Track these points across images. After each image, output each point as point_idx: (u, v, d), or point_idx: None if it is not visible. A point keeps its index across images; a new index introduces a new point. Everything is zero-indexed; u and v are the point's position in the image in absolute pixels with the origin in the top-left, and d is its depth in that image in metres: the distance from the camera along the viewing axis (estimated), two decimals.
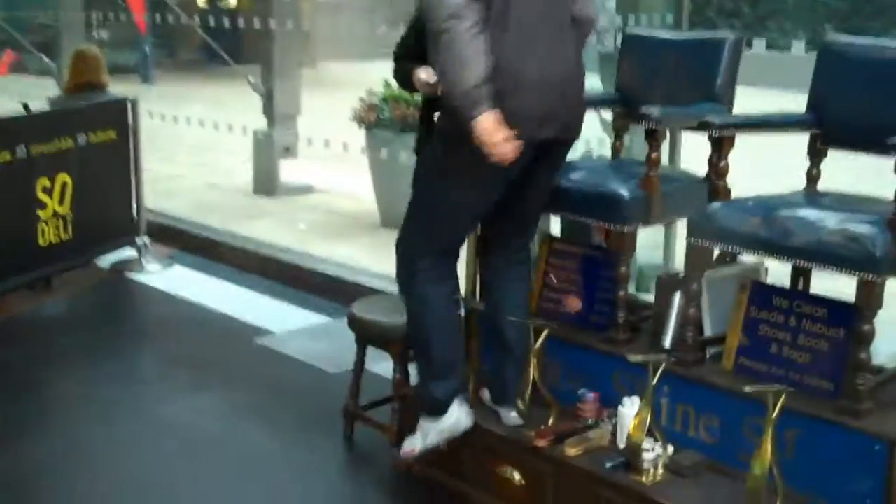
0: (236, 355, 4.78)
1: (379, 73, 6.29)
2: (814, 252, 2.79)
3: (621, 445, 3.14)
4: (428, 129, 3.56)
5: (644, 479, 2.96)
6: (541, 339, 3.23)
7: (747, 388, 2.66)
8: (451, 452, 3.41)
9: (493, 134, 2.81)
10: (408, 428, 3.53)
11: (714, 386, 3.04)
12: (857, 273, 2.72)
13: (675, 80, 3.51)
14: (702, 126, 3.09)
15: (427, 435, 3.28)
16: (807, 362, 2.96)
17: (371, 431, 3.86)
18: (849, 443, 2.76)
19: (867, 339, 2.76)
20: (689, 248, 3.10)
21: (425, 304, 3.23)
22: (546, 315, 3.54)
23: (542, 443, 3.18)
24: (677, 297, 3.22)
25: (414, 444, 3.31)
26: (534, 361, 3.22)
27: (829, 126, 3.22)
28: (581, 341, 3.36)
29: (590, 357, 3.35)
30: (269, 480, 3.60)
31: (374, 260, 6.02)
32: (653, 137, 3.17)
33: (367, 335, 3.77)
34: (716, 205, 3.06)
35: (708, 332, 3.20)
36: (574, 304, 3.47)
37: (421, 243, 3.22)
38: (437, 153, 3.13)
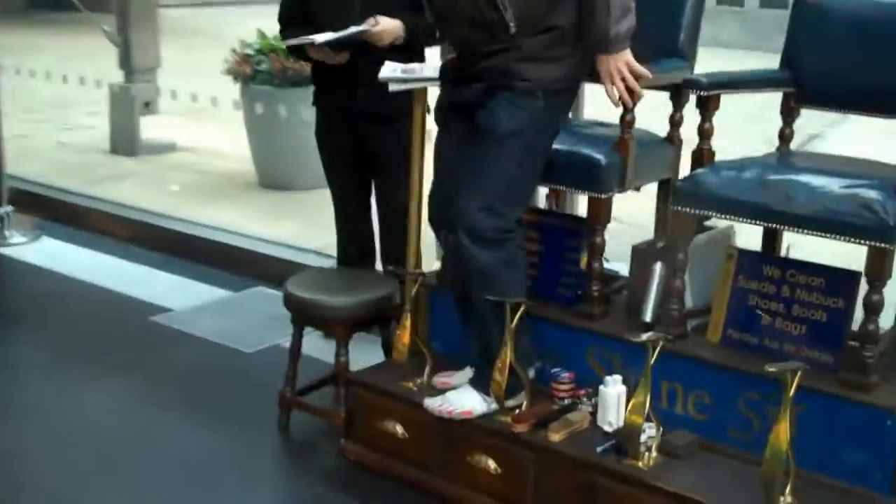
0: (134, 337, 4.35)
1: (227, 20, 5.88)
2: (821, 221, 2.64)
3: (605, 427, 2.96)
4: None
5: (640, 463, 2.78)
6: (517, 317, 2.99)
7: (769, 367, 2.50)
8: (413, 440, 3.17)
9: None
10: (357, 414, 3.28)
11: (705, 361, 2.89)
12: (869, 242, 2.60)
13: (635, 36, 3.30)
14: (688, 85, 2.90)
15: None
16: (803, 334, 2.83)
17: (307, 418, 3.56)
18: (858, 418, 2.65)
19: (876, 309, 2.65)
20: (675, 217, 2.92)
21: (516, 268, 2.99)
22: None
23: (521, 428, 2.96)
24: (658, 268, 3.04)
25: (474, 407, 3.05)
26: (509, 342, 2.98)
27: (805, 84, 3.09)
28: (553, 317, 3.14)
29: (561, 333, 3.15)
30: (203, 485, 3.22)
31: (262, 225, 5.65)
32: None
33: (306, 316, 3.45)
34: (705, 171, 2.89)
35: (688, 303, 3.04)
36: None
37: (516, 203, 2.97)
38: (538, 106, 2.89)
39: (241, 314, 4.55)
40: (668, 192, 3.37)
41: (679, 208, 2.89)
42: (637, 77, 2.86)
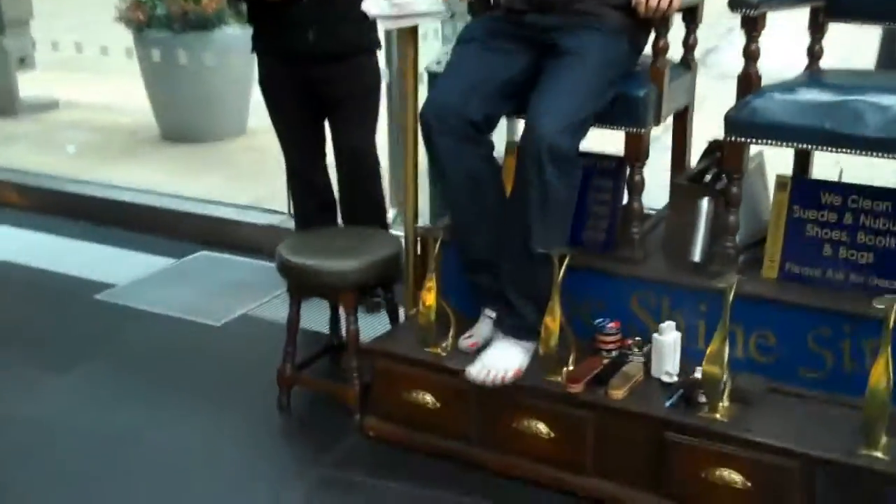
0: (83, 320, 3.91)
1: None
2: (889, 141, 2.48)
3: (664, 378, 2.77)
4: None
5: (717, 414, 2.60)
6: (563, 268, 2.74)
7: (876, 303, 2.33)
8: (447, 409, 2.91)
9: None
10: (378, 387, 3.00)
11: (768, 299, 2.71)
12: None
13: None
14: (738, 4, 2.67)
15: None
16: (871, 263, 2.68)
17: (306, 396, 3.26)
18: None
19: None
20: (731, 148, 2.71)
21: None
22: None
23: (576, 388, 2.73)
24: (705, 204, 2.84)
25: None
26: (556, 296, 2.74)
27: None
28: (591, 264, 2.90)
29: (601, 281, 2.92)
30: (209, 483, 2.87)
31: (178, 183, 5.22)
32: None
33: (309, 285, 3.11)
34: (760, 97, 2.67)
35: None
36: None
37: (582, 134, 2.72)
38: (623, 47, 2.77)
39: (194, 283, 4.17)
40: (688, 120, 3.19)
41: (735, 138, 2.68)
42: None
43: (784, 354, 2.72)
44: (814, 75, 2.94)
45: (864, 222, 2.69)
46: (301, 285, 3.13)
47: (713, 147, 3.10)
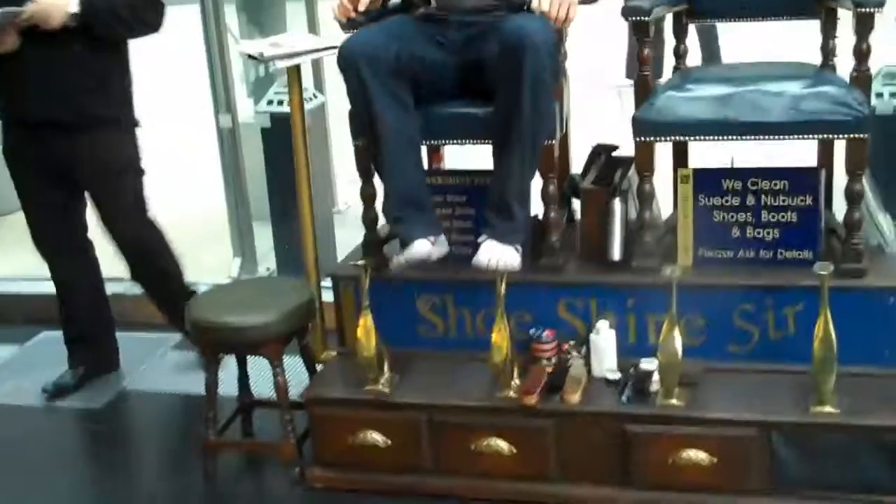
0: None
1: None
2: (797, 124, 2.72)
3: (608, 375, 2.88)
4: None
5: (675, 400, 2.74)
6: (502, 287, 2.79)
7: (819, 270, 2.54)
8: (398, 445, 2.89)
9: None
10: (319, 436, 2.94)
11: (691, 285, 2.86)
12: (848, 135, 2.71)
13: None
14: (631, 13, 2.82)
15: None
16: (777, 238, 2.91)
17: (230, 461, 3.13)
18: (858, 304, 2.77)
19: (858, 197, 2.77)
20: (641, 148, 2.86)
21: None
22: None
23: (532, 400, 2.78)
24: (617, 204, 2.97)
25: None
26: (501, 310, 2.78)
27: None
28: (520, 278, 2.96)
29: (527, 292, 2.97)
30: None
31: None
32: None
33: (228, 342, 2.98)
34: (662, 98, 2.83)
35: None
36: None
37: None
38: None
39: (48, 367, 3.82)
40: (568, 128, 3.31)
41: (644, 138, 2.83)
42: None
43: (713, 335, 2.90)
44: (688, 73, 3.14)
45: (765, 202, 2.90)
46: (219, 343, 3.00)
47: (598, 151, 3.26)
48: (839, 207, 2.98)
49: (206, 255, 4.54)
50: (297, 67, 3.09)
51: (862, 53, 2.74)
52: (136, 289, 3.89)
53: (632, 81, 3.23)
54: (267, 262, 4.51)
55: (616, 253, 2.98)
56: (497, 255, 2.81)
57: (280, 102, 4.17)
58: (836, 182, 3.02)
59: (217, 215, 4.75)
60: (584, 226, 3.06)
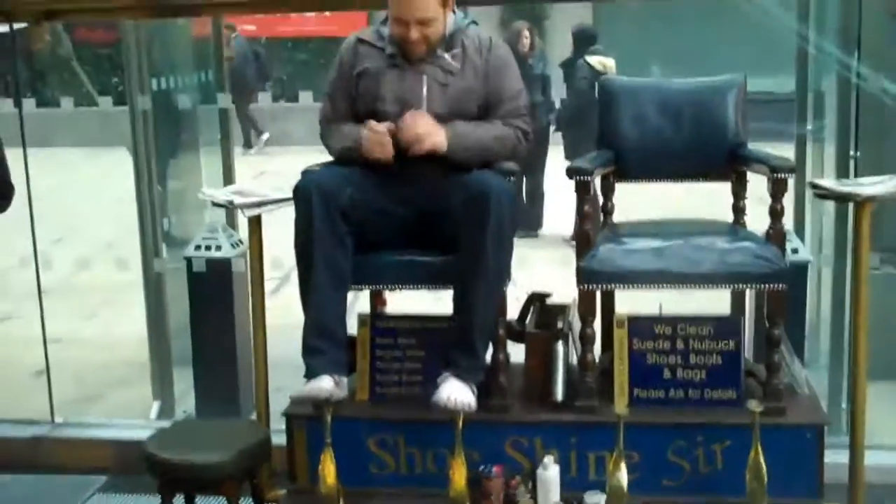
0: None
1: None
2: (725, 275, 3.04)
3: None
4: None
5: None
6: (460, 424, 2.96)
7: (752, 407, 2.80)
8: None
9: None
10: None
11: (629, 424, 3.08)
12: (769, 285, 3.04)
13: None
14: (576, 172, 3.12)
15: None
16: (704, 379, 3.18)
17: None
18: (781, 439, 3.05)
19: (779, 342, 3.08)
20: (583, 295, 3.12)
21: None
22: (386, 401, 3.26)
23: None
24: (560, 348, 3.20)
25: None
26: (459, 450, 2.95)
27: (623, 161, 3.46)
28: (469, 418, 3.13)
29: (476, 431, 3.14)
30: None
31: None
32: None
33: (186, 481, 3.04)
34: (600, 250, 3.11)
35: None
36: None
37: None
38: None
39: None
40: None
41: (586, 287, 3.10)
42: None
43: (648, 469, 3.12)
44: (618, 227, 3.44)
45: (693, 346, 3.19)
46: (177, 481, 3.05)
47: (532, 298, 3.50)
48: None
49: (122, 395, 4.56)
50: (259, 216, 3.25)
51: (776, 212, 3.09)
52: (58, 431, 3.88)
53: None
54: (184, 404, 4.55)
55: (559, 394, 3.19)
56: (456, 394, 2.98)
57: (209, 248, 4.30)
58: None
59: (131, 355, 4.79)
60: (529, 368, 3.28)
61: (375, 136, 3.11)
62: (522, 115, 3.25)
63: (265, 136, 13.61)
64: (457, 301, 3.08)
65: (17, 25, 4.21)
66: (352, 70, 3.24)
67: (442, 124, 3.13)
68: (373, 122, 3.14)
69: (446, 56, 3.18)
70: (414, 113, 3.12)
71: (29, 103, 4.53)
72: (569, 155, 7.75)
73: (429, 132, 3.09)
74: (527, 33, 8.10)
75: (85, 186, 11.19)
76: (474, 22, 3.30)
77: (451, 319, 3.12)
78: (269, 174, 10.76)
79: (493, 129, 3.19)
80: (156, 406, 4.48)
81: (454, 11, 3.23)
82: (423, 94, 3.15)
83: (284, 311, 3.79)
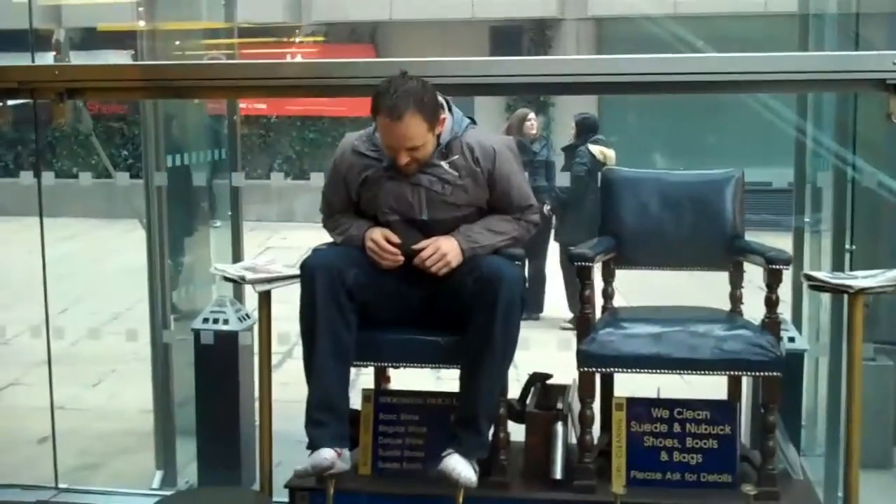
0: None
1: None
2: (721, 361, 3.13)
3: None
4: None
5: None
6: (460, 499, 3.02)
7: (747, 489, 2.87)
8: None
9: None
10: None
11: None
12: (764, 373, 3.12)
13: None
14: (578, 258, 3.22)
15: None
16: (700, 463, 3.25)
17: None
18: None
19: (773, 428, 3.16)
20: (583, 377, 3.20)
21: None
22: (387, 475, 3.32)
23: None
24: (559, 428, 3.28)
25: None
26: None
27: (623, 248, 3.57)
28: (470, 493, 3.19)
29: None
30: None
31: None
32: None
33: None
34: (601, 333, 3.21)
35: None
36: None
37: None
38: None
39: None
40: None
41: (587, 369, 3.18)
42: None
43: None
44: (617, 312, 3.54)
45: (689, 429, 3.26)
46: None
47: (533, 379, 3.58)
48: None
49: (124, 464, 4.62)
50: (269, 291, 3.35)
51: (772, 302, 3.19)
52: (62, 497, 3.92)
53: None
54: (186, 475, 4.59)
55: (558, 472, 3.26)
56: (459, 468, 3.05)
57: (217, 321, 4.38)
58: None
59: (136, 425, 4.85)
60: (529, 446, 3.34)
61: (382, 253, 3.22)
62: (533, 211, 3.36)
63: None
64: (464, 380, 3.16)
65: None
66: (347, 179, 3.33)
67: (455, 235, 3.23)
68: (377, 237, 3.23)
69: (443, 164, 3.25)
70: (430, 247, 3.20)
71: (48, 175, 4.65)
72: (560, 236, 7.90)
73: (447, 261, 3.20)
74: (533, 120, 8.28)
75: (93, 256, 11.34)
76: (472, 121, 3.37)
77: (457, 398, 3.20)
78: (274, 249, 10.91)
79: (508, 228, 3.30)
80: (158, 476, 4.52)
81: (451, 114, 3.29)
82: (424, 205, 3.24)
83: (283, 387, 3.87)
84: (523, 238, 3.34)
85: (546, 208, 7.56)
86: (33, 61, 4.29)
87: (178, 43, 5.23)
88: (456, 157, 3.25)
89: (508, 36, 15.47)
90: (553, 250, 8.07)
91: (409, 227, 3.24)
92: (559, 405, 3.37)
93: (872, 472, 4.12)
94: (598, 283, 3.58)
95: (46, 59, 4.47)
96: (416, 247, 3.20)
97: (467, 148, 3.27)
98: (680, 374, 3.20)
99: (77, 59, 4.42)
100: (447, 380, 3.27)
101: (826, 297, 4.30)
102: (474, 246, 3.22)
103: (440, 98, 3.24)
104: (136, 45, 4.77)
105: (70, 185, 7.00)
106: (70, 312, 7.45)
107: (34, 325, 4.65)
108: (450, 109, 3.29)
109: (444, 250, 3.19)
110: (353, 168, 3.31)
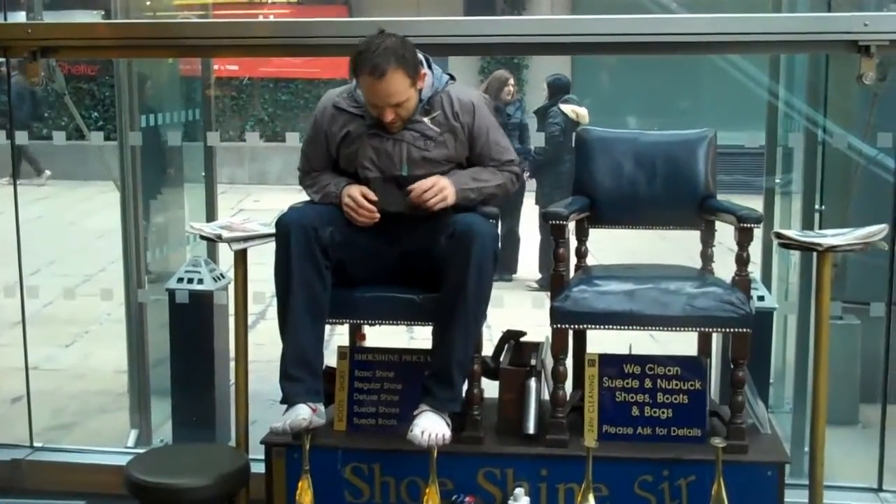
0: None
1: None
2: (691, 318, 3.18)
3: None
4: None
5: None
6: (435, 456, 3.07)
7: (716, 442, 2.92)
8: None
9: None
10: None
11: (597, 458, 3.19)
12: (733, 329, 3.18)
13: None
14: (552, 217, 3.25)
15: None
16: (670, 417, 3.30)
17: None
18: (742, 476, 3.17)
19: (742, 383, 3.21)
20: (557, 334, 3.24)
21: None
22: (363, 431, 3.37)
23: None
24: (532, 383, 3.33)
25: None
26: (434, 481, 3.05)
27: (598, 207, 3.61)
28: (442, 448, 3.23)
29: (450, 461, 3.24)
30: None
31: None
32: None
33: (165, 503, 3.12)
34: (574, 290, 3.25)
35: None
36: None
37: None
38: None
39: None
40: None
41: (560, 326, 3.22)
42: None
43: (615, 502, 3.22)
44: (591, 270, 3.58)
45: (660, 385, 3.31)
46: None
47: (507, 336, 3.63)
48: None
49: (99, 423, 4.64)
50: (244, 251, 3.37)
51: (742, 260, 3.23)
52: (37, 455, 3.94)
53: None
54: (161, 434, 4.62)
55: (531, 427, 3.31)
56: (431, 427, 3.09)
57: (192, 280, 4.39)
58: None
59: (110, 386, 4.86)
60: (503, 402, 3.39)
61: (359, 209, 3.24)
62: (514, 163, 3.39)
63: (47, 173, 14.03)
64: (437, 335, 3.20)
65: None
66: (328, 134, 3.34)
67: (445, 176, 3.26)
68: (355, 194, 3.25)
69: (425, 120, 3.27)
70: (430, 180, 3.23)
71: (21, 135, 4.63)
72: (539, 199, 7.93)
73: (444, 196, 3.22)
74: (511, 83, 8.31)
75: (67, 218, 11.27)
76: (452, 77, 3.39)
77: (431, 353, 3.24)
78: (247, 211, 10.89)
79: (493, 178, 3.33)
80: (133, 434, 4.53)
81: (431, 70, 3.31)
82: (404, 160, 3.26)
83: (257, 348, 3.89)
84: (508, 188, 3.37)
85: (525, 175, 7.59)
86: (6, 19, 4.24)
87: (149, 3, 5.21)
88: (437, 113, 3.28)
89: None
90: (526, 211, 8.10)
91: (387, 184, 3.26)
92: (532, 362, 3.41)
93: (839, 429, 4.23)
94: (573, 242, 3.63)
95: (19, 17, 4.42)
96: (412, 186, 3.22)
97: (448, 103, 3.29)
98: (650, 331, 3.23)
99: (49, 18, 4.36)
100: (420, 339, 3.30)
101: (795, 258, 4.37)
102: (465, 188, 3.26)
103: (420, 54, 3.25)
104: (109, 4, 4.73)
105: (43, 147, 6.95)
106: (43, 273, 7.44)
107: (8, 286, 4.63)
108: (429, 66, 3.30)
109: (442, 184, 3.22)
110: (335, 123, 3.33)
